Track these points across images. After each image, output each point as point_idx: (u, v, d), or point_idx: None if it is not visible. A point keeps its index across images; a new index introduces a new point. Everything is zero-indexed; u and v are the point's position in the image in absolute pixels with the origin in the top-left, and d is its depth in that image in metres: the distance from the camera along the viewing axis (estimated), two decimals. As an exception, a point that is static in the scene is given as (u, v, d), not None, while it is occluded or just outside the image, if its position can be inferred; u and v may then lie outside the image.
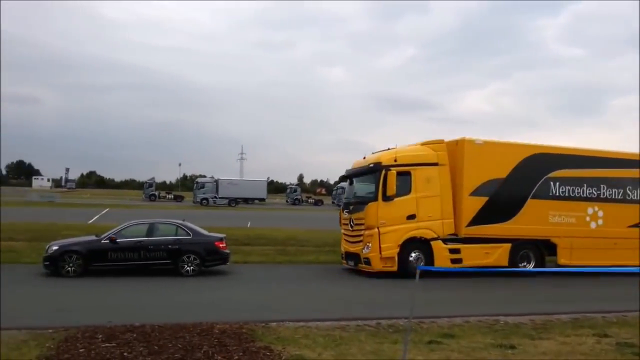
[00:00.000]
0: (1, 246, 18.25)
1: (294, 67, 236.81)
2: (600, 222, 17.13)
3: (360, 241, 15.51)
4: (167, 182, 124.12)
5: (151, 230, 14.74)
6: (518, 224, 16.15)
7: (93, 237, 14.88)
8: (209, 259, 14.58)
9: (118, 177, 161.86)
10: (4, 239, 20.42)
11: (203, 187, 65.28)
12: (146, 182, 77.60)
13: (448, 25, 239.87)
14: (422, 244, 15.30)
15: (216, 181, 67.17)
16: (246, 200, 67.99)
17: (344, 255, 16.69)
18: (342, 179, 17.98)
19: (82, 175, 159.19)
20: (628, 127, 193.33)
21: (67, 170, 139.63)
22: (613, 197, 17.49)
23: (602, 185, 17.35)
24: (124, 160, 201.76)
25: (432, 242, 15.34)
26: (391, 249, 14.97)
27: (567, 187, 16.90)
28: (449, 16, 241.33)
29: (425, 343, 8.12)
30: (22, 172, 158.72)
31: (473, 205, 15.76)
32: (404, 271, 14.73)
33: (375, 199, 15.20)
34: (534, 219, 16.34)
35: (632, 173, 17.79)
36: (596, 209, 17.16)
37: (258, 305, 11.13)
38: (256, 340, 7.87)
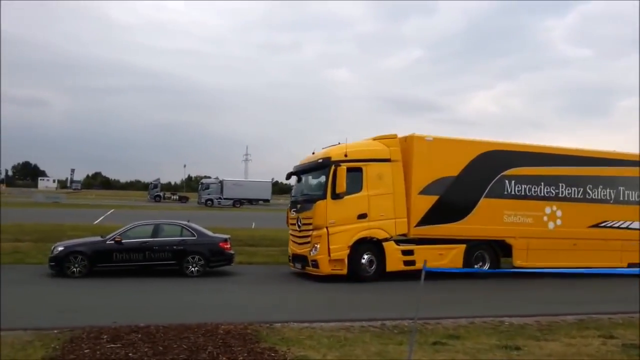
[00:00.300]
0: (2, 247, 18.35)
1: (300, 69, 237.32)
2: (558, 222, 16.50)
3: (308, 242, 14.57)
4: (172, 183, 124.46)
5: (156, 231, 14.77)
6: (470, 224, 15.47)
7: (98, 238, 14.94)
8: (213, 259, 14.60)
9: (123, 178, 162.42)
10: (10, 239, 20.53)
11: (208, 188, 65.47)
12: (151, 183, 77.86)
13: (454, 26, 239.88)
14: (373, 245, 14.52)
15: (221, 182, 67.29)
16: (250, 201, 68.06)
17: (291, 258, 15.79)
18: (290, 175, 16.66)
19: (87, 176, 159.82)
20: (635, 128, 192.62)
21: (73, 171, 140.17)
22: (573, 196, 16.86)
23: (561, 184, 16.70)
24: (129, 162, 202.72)
25: (384, 243, 14.55)
26: (341, 251, 14.10)
27: (523, 186, 16.23)
28: (455, 17, 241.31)
29: (431, 344, 8.10)
30: (28, 173, 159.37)
31: (422, 204, 15.01)
32: (354, 274, 14.13)
33: (324, 196, 14.27)
34: (488, 219, 15.69)
35: (592, 171, 17.21)
36: (554, 208, 16.53)
37: (262, 306, 11.14)
38: (261, 341, 7.88)
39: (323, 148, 15.74)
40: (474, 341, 8.44)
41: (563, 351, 7.94)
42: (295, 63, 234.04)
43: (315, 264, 14.21)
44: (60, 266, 13.76)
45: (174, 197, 76.30)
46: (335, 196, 14.10)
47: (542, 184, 16.46)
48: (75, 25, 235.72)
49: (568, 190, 16.80)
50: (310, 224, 14.56)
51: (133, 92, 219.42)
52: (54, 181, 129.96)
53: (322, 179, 14.62)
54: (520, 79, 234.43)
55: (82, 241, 15.01)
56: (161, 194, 74.07)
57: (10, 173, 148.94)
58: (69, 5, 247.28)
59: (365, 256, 14.39)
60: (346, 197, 14.19)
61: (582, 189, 16.97)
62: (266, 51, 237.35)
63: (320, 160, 14.76)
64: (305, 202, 15.20)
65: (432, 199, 15.15)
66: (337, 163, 14.17)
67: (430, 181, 15.13)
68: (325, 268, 14.07)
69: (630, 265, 16.77)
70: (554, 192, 16.62)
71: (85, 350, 7.04)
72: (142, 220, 16.42)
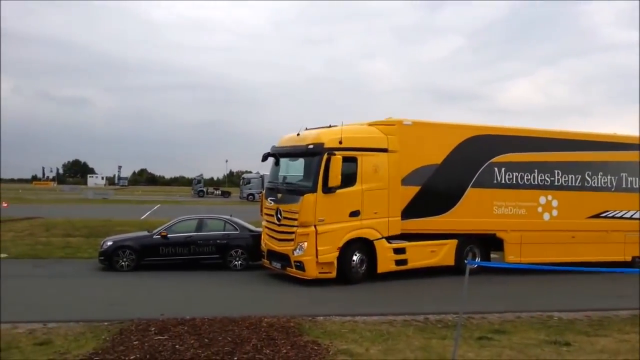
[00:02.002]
0: (55, 242, 19.10)
1: (337, 62, 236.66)
2: (554, 212, 15.05)
3: (291, 240, 12.71)
4: (215, 179, 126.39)
5: (200, 225, 15.04)
6: (457, 217, 14.05)
7: (145, 233, 15.33)
8: (255, 253, 14.76)
9: (168, 174, 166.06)
10: (61, 235, 21.36)
11: (249, 182, 66.11)
12: (195, 179, 79.40)
13: (495, 12, 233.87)
14: (363, 244, 12.96)
15: (262, 177, 67.61)
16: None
17: (265, 254, 13.96)
18: (266, 157, 14.41)
19: (134, 172, 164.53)
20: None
21: (120, 168, 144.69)
22: (570, 184, 15.35)
23: (556, 171, 15.19)
24: (174, 158, 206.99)
25: (375, 242, 13.02)
26: (330, 253, 12.42)
27: (514, 174, 14.75)
28: (495, 3, 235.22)
29: (476, 339, 7.96)
30: (78, 171, 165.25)
31: (403, 195, 13.48)
32: (344, 277, 12.67)
33: (313, 189, 12.38)
34: (476, 211, 14.27)
35: (591, 156, 15.70)
36: (550, 198, 15.03)
37: (304, 300, 11.19)
38: (303, 334, 7.92)
39: (308, 129, 13.72)
40: (521, 336, 8.24)
41: (616, 347, 7.65)
42: (332, 56, 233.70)
43: (300, 266, 12.49)
44: (109, 260, 14.20)
45: (217, 192, 77.43)
46: (327, 190, 12.33)
47: (536, 171, 15.01)
48: (117, 25, 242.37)
49: (565, 177, 15.32)
50: (294, 219, 12.66)
51: (175, 90, 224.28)
52: (102, 178, 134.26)
53: (312, 167, 12.71)
54: (564, 65, 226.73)
55: (130, 236, 15.42)
56: (204, 189, 75.37)
57: (60, 171, 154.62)
58: (111, 5, 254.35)
59: (355, 256, 12.85)
60: (338, 191, 12.46)
61: (580, 176, 15.51)
62: (304, 45, 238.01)
63: (311, 146, 12.73)
64: (289, 192, 13.27)
65: (413, 190, 13.67)
66: (331, 151, 12.37)
67: (411, 170, 13.65)
68: (312, 271, 12.39)
69: (635, 259, 15.62)
70: (549, 180, 15.15)
71: (134, 342, 7.24)
72: (186, 215, 16.74)
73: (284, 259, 13.02)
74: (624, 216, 15.84)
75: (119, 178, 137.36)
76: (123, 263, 14.14)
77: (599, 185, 15.74)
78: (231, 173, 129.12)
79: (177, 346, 7.07)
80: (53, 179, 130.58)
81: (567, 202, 15.20)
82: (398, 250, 13.36)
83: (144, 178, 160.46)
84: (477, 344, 7.68)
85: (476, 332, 8.44)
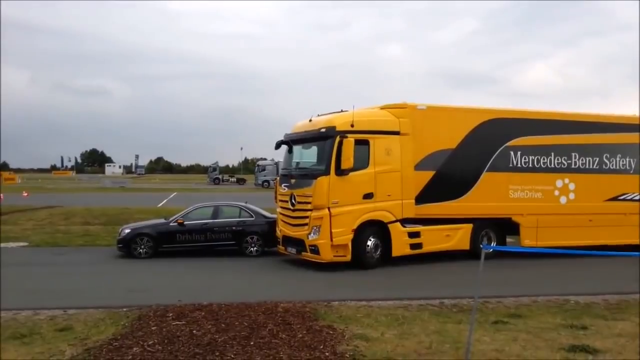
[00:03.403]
0: (74, 230, 19.39)
1: (350, 48, 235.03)
2: (571, 196, 14.90)
3: (306, 224, 12.75)
4: (230, 166, 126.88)
5: (216, 212, 15.17)
6: (472, 202, 14.00)
7: (162, 220, 15.48)
8: (271, 239, 14.84)
9: (184, 162, 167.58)
10: (80, 223, 21.70)
11: (264, 169, 66.28)
12: (210, 167, 79.84)
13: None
14: (377, 228, 12.96)
15: (276, 164, 67.71)
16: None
17: (280, 241, 14.01)
18: (280, 145, 14.47)
19: (150, 161, 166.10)
20: None
21: (137, 157, 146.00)
22: (587, 166, 15.17)
23: (573, 154, 15.01)
24: (189, 146, 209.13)
25: (389, 226, 12.98)
26: (344, 235, 12.44)
27: (530, 157, 14.62)
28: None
29: (491, 323, 7.94)
30: (96, 160, 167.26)
31: (417, 180, 13.49)
32: (359, 261, 12.67)
33: (326, 172, 12.43)
34: (492, 196, 14.19)
35: (609, 138, 15.42)
36: (567, 181, 14.90)
37: (319, 285, 11.25)
38: (319, 318, 7.98)
39: (320, 115, 13.83)
40: (537, 320, 8.21)
41: (634, 331, 7.57)
42: (345, 42, 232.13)
43: (315, 250, 12.54)
44: (127, 248, 14.39)
45: (232, 179, 77.84)
46: (340, 172, 12.38)
47: (552, 154, 14.85)
48: (132, 15, 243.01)
49: (582, 160, 15.12)
50: (308, 202, 12.72)
51: (190, 79, 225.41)
52: (119, 167, 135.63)
53: (324, 151, 12.75)
54: (583, 45, 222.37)
55: (147, 223, 15.59)
56: (220, 176, 75.79)
57: (79, 160, 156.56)
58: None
59: (370, 241, 12.86)
60: (351, 173, 12.50)
61: (597, 159, 15.29)
62: (316, 32, 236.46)
63: (323, 130, 12.84)
64: (302, 177, 13.29)
65: (428, 175, 13.65)
66: (343, 134, 12.43)
67: (425, 155, 13.63)
68: (327, 254, 12.44)
69: None
70: (565, 162, 14.97)
71: (153, 328, 7.36)
72: (202, 202, 16.87)
73: (299, 244, 13.09)
74: None
75: (136, 167, 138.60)
76: (141, 250, 14.33)
77: (617, 167, 15.56)
78: (246, 160, 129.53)
79: (194, 331, 7.17)
80: (72, 169, 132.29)
81: (585, 185, 15.03)
82: (413, 234, 13.36)
83: (160, 166, 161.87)
84: (492, 328, 7.66)
85: (492, 316, 8.42)
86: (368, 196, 12.75)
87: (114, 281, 11.49)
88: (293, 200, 13.25)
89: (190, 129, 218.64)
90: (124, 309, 8.60)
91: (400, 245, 13.15)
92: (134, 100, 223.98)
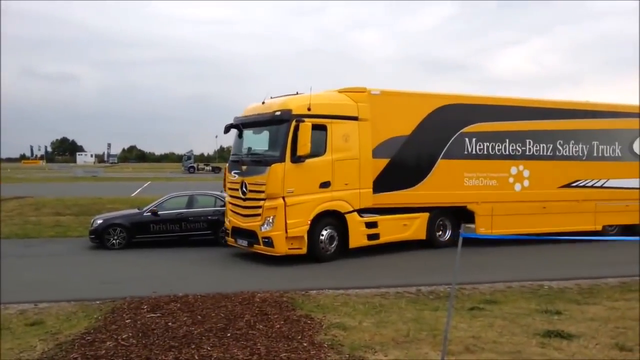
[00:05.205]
0: (44, 221, 18.98)
1: (326, 33, 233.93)
2: (526, 183, 14.89)
3: (258, 215, 12.02)
4: (205, 154, 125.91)
5: (191, 202, 14.97)
6: (427, 190, 13.74)
7: (135, 210, 15.23)
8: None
9: (158, 151, 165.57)
10: (51, 213, 21.21)
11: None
12: (185, 155, 79.03)
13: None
14: (333, 218, 12.43)
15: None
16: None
17: (229, 232, 13.21)
18: (229, 129, 13.61)
19: (123, 150, 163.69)
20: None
21: (109, 145, 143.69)
22: (541, 153, 15.13)
23: (528, 140, 14.92)
24: (163, 134, 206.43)
25: (347, 216, 12.51)
26: (300, 226, 11.81)
27: (485, 144, 14.43)
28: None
29: (468, 309, 8.02)
30: (67, 149, 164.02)
31: (374, 168, 13.07)
32: (315, 254, 12.14)
33: (280, 158, 11.75)
34: (446, 183, 13.96)
35: (562, 124, 15.41)
36: (521, 168, 14.83)
37: (296, 274, 11.20)
38: (297, 308, 7.93)
39: (273, 97, 13.02)
40: (512, 306, 8.32)
41: (606, 315, 7.73)
42: (322, 27, 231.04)
43: (269, 242, 11.83)
44: (100, 239, 14.11)
45: (207, 167, 77.10)
46: (296, 159, 11.73)
47: (507, 140, 14.72)
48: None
49: (536, 147, 15.06)
50: (261, 191, 12.00)
51: (163, 64, 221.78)
52: (91, 156, 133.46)
53: (279, 136, 12.07)
54: (557, 33, 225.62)
55: (120, 214, 15.31)
56: (195, 165, 75.09)
57: (49, 149, 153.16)
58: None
59: (325, 232, 12.30)
60: (308, 160, 11.88)
61: (551, 145, 15.27)
62: (292, 16, 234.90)
63: (278, 113, 12.09)
64: (254, 163, 12.54)
65: (382, 163, 13.23)
66: (300, 118, 11.78)
67: (380, 142, 13.17)
68: (282, 247, 11.78)
69: (605, 228, 15.71)
70: (520, 149, 14.88)
71: (127, 320, 7.21)
72: (177, 191, 16.63)
73: (250, 235, 12.34)
74: (594, 185, 15.79)
75: (109, 155, 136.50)
76: (114, 241, 14.08)
77: (570, 154, 15.59)
78: (221, 149, 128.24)
79: (170, 323, 7.05)
80: (42, 158, 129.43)
81: (539, 172, 15.05)
82: (370, 224, 12.95)
83: (133, 155, 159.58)
84: (469, 314, 7.74)
85: (467, 302, 8.51)
86: (325, 185, 12.21)
87: (86, 273, 11.24)
88: (244, 189, 12.49)
89: (164, 117, 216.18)
90: (97, 302, 8.43)
91: (358, 236, 12.70)
92: (106, 87, 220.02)
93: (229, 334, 6.63)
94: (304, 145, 11.58)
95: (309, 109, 11.99)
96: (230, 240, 13.26)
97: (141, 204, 16.69)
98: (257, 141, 13.28)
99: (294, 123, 11.79)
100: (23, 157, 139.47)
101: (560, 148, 15.44)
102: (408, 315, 7.67)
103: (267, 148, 12.74)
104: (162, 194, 16.95)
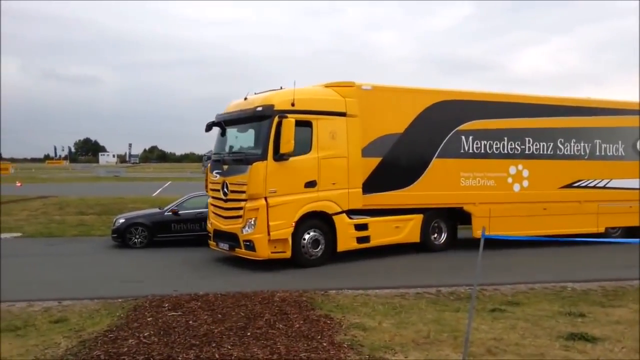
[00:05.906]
0: (69, 220, 19.28)
1: (343, 34, 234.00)
2: (525, 183, 14.24)
3: (239, 216, 11.40)
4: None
5: (211, 201, 15.08)
6: (421, 191, 13.10)
7: (157, 210, 15.40)
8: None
9: (178, 151, 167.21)
10: (75, 213, 21.56)
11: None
12: (205, 155, 79.30)
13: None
14: (319, 220, 11.77)
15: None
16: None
17: (211, 235, 12.65)
18: (210, 126, 12.89)
19: (144, 150, 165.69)
20: None
21: (130, 145, 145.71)
22: (541, 152, 14.49)
23: (527, 139, 14.29)
24: (183, 134, 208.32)
25: (334, 217, 11.85)
26: (283, 228, 11.15)
27: (482, 142, 13.80)
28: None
29: (489, 311, 7.92)
30: (89, 149, 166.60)
31: (364, 168, 12.46)
32: (299, 258, 11.50)
33: (262, 157, 11.08)
34: (442, 184, 13.34)
35: (563, 122, 14.76)
36: (520, 167, 14.19)
37: (316, 274, 11.18)
38: (316, 308, 7.93)
39: (257, 93, 12.41)
40: (534, 307, 8.20)
41: (632, 318, 7.57)
42: (338, 28, 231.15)
43: (251, 246, 11.20)
44: (122, 238, 14.30)
45: (227, 167, 77.73)
46: (279, 157, 11.09)
47: (506, 139, 14.08)
48: (123, 1, 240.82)
49: (536, 145, 14.42)
50: (242, 192, 11.35)
51: (183, 66, 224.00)
52: (113, 156, 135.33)
53: (261, 133, 11.41)
54: (577, 32, 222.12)
55: (142, 213, 15.49)
56: (215, 165, 75.74)
57: (72, 150, 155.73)
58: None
59: (307, 235, 11.60)
60: (292, 158, 11.24)
61: (552, 144, 14.61)
62: (308, 17, 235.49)
63: (260, 109, 11.45)
64: (235, 162, 11.87)
65: (374, 162, 12.62)
66: (283, 113, 11.13)
67: (371, 140, 12.56)
68: (264, 251, 11.12)
69: (607, 230, 15.10)
70: (519, 148, 14.24)
71: (148, 318, 7.29)
72: (197, 191, 16.75)
73: (232, 238, 11.74)
74: (597, 185, 15.13)
75: (130, 155, 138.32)
76: (135, 240, 14.25)
77: (572, 153, 14.95)
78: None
79: (190, 322, 7.11)
80: (65, 158, 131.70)
81: (539, 172, 14.43)
82: (360, 227, 12.29)
83: (154, 155, 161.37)
84: (490, 316, 7.64)
85: (489, 304, 8.40)
86: (310, 184, 11.54)
87: (108, 272, 11.39)
88: (225, 189, 11.86)
89: (184, 117, 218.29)
90: (119, 300, 8.54)
91: (346, 238, 12.05)
92: (127, 88, 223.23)
93: (249, 333, 6.66)
94: (287, 142, 10.96)
95: (292, 105, 11.38)
96: (211, 243, 12.70)
97: (162, 204, 16.86)
98: (240, 139, 12.70)
99: (276, 119, 11.12)
100: (47, 157, 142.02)
101: (561, 147, 14.82)
102: (428, 316, 7.61)
103: (249, 146, 12.08)
104: (183, 193, 17.08)
